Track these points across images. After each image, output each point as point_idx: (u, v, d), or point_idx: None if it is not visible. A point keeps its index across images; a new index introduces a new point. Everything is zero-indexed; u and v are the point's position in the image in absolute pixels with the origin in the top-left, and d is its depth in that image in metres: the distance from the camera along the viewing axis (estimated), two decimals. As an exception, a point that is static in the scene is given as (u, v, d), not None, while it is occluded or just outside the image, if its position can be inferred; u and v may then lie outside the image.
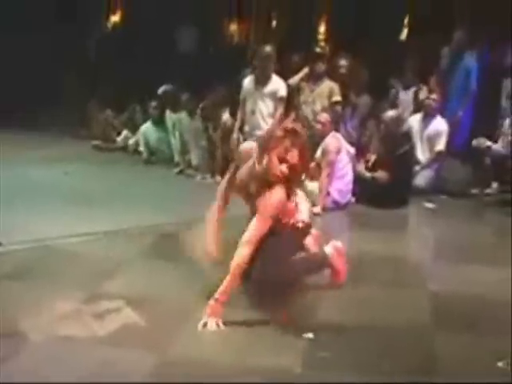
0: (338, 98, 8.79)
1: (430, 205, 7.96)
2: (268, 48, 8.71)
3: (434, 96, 8.88)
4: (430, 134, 8.79)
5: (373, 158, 8.31)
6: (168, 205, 7.80)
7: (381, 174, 7.99)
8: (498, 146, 8.24)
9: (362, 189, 7.98)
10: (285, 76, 9.09)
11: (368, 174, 8.12)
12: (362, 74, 9.83)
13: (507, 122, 8.24)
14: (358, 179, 8.03)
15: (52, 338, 4.02)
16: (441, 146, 8.71)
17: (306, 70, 9.22)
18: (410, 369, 3.78)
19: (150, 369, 3.72)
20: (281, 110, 8.58)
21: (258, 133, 8.57)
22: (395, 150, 8.03)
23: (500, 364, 3.77)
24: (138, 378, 3.60)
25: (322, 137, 7.97)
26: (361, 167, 8.23)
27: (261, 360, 3.85)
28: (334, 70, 9.29)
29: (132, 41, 15.13)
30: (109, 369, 3.69)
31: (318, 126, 8.04)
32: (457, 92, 9.18)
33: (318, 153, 7.90)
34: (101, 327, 4.24)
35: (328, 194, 7.80)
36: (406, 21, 13.62)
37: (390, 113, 8.56)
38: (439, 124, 8.78)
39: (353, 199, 8.04)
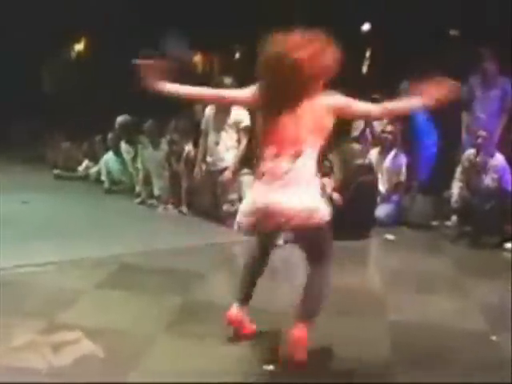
0: None
1: (390, 236, 8.00)
2: (228, 79, 8.77)
3: (389, 129, 8.96)
4: (389, 166, 8.88)
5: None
6: (128, 235, 7.79)
7: (336, 197, 8.00)
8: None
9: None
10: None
11: (335, 197, 8.09)
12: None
13: (466, 154, 8.33)
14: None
15: (7, 369, 3.97)
16: (400, 177, 8.79)
17: None
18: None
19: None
20: (245, 140, 8.59)
21: (222, 164, 8.61)
22: (353, 178, 8.08)
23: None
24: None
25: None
26: (329, 189, 8.17)
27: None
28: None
29: (94, 70, 15.19)
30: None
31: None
32: (418, 128, 9.22)
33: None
34: (57, 359, 4.17)
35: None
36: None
37: (354, 146, 8.70)
38: (397, 156, 8.87)
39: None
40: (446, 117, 9.10)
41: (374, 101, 9.55)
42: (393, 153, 8.90)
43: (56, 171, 12.83)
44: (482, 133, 8.07)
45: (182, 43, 14.60)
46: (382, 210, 8.65)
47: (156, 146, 10.06)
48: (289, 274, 6.90)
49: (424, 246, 7.90)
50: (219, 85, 8.70)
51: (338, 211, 7.71)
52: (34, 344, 4.36)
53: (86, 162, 12.70)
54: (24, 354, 4.22)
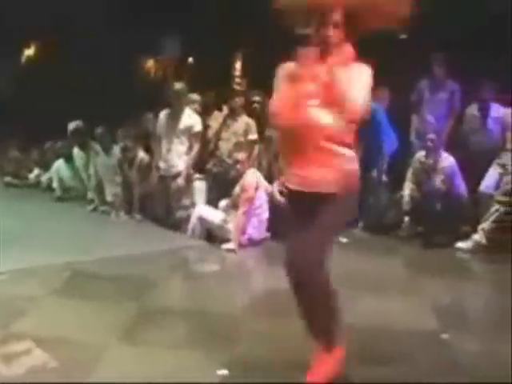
0: (253, 136, 8.72)
1: (343, 239, 8.03)
2: (179, 84, 8.79)
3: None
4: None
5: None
6: (81, 242, 7.75)
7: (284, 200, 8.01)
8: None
9: (275, 216, 7.93)
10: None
11: (279, 198, 8.08)
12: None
13: (416, 156, 8.40)
14: (271, 203, 8.00)
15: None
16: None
17: (225, 111, 9.23)
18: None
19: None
20: (197, 146, 8.62)
21: (174, 170, 8.61)
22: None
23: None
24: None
25: (241, 174, 8.03)
26: (275, 190, 8.14)
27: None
28: (249, 105, 9.31)
29: (45, 76, 15.07)
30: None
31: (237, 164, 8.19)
32: (368, 135, 9.18)
33: (237, 189, 7.97)
34: (9, 370, 4.13)
35: (244, 231, 7.82)
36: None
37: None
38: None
39: (268, 235, 8.04)
40: (395, 119, 9.19)
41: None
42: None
43: (6, 179, 12.87)
44: (432, 135, 8.16)
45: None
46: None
47: (108, 152, 10.00)
48: (242, 278, 7.01)
49: (377, 247, 7.95)
50: (171, 90, 8.78)
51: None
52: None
53: (36, 170, 12.69)
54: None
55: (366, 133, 8.96)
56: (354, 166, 3.77)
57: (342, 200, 3.69)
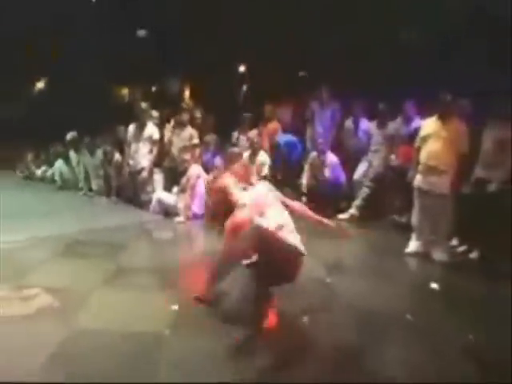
0: (195, 141, 8.78)
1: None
2: (144, 104, 8.87)
3: (256, 140, 8.76)
4: (257, 164, 8.86)
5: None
6: (75, 218, 7.81)
7: None
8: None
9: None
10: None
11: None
12: (209, 120, 9.87)
13: (311, 155, 8.60)
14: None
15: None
16: (264, 173, 8.46)
17: (172, 123, 9.29)
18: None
19: (63, 338, 3.78)
20: (155, 149, 8.68)
21: (139, 166, 8.69)
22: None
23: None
24: (54, 347, 3.63)
25: (187, 168, 8.09)
26: (211, 179, 8.11)
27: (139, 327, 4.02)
28: (193, 119, 9.39)
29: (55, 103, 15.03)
30: (34, 339, 3.74)
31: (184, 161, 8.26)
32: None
33: (184, 179, 8.02)
34: (25, 308, 4.24)
35: (189, 208, 7.89)
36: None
37: (233, 149, 8.76)
38: (261, 156, 8.62)
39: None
40: (298, 130, 9.30)
41: (245, 118, 9.52)
42: (260, 153, 8.65)
43: (24, 174, 13.28)
44: (321, 141, 8.37)
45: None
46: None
47: (93, 154, 10.08)
48: (189, 242, 7.06)
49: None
50: (138, 108, 8.85)
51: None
52: (8, 297, 4.43)
53: (43, 167, 12.67)
54: (1, 304, 4.29)
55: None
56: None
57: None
